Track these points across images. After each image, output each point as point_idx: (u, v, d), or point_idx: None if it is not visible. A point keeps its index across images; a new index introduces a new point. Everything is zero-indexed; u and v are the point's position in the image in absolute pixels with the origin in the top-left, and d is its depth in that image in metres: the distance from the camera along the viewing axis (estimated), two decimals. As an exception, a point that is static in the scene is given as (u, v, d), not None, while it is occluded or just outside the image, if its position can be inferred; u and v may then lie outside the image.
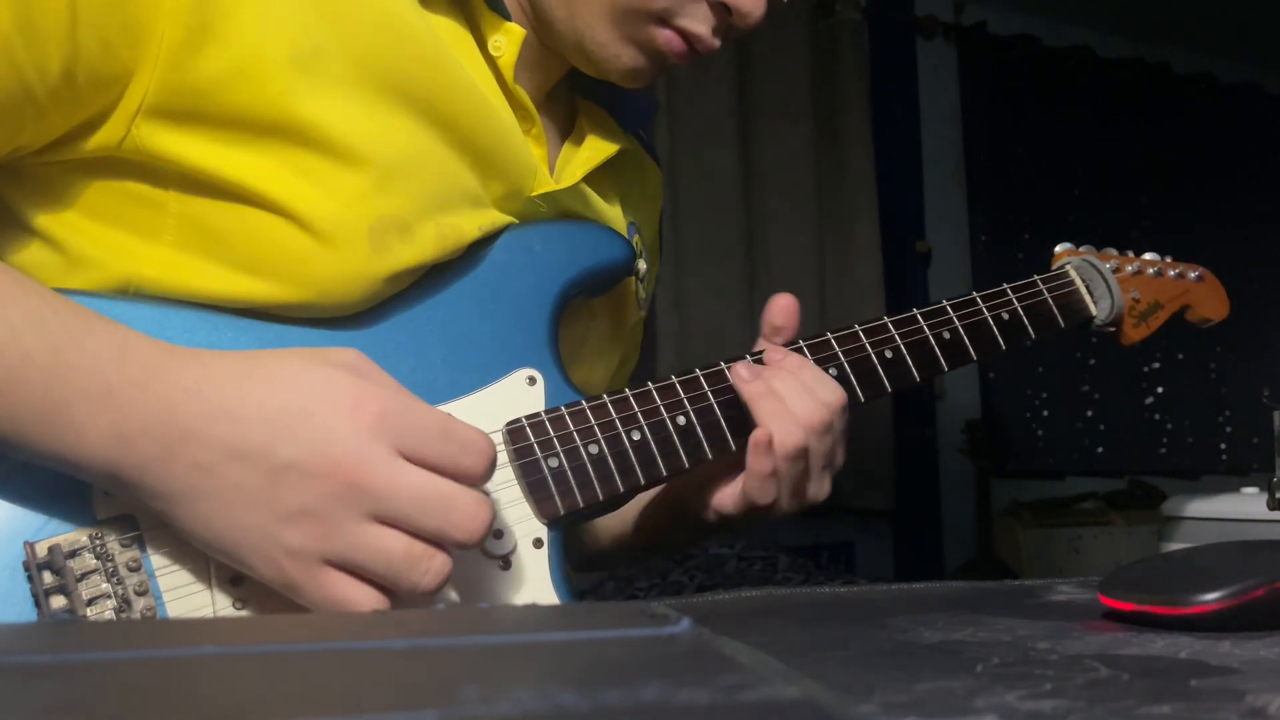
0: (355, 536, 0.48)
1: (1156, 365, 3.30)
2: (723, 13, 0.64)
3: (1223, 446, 3.40)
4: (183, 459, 0.48)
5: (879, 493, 2.75)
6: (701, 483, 0.69)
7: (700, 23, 0.64)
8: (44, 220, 0.56)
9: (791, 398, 0.64)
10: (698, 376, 0.65)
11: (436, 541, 0.49)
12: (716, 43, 0.65)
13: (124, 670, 0.24)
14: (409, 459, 0.49)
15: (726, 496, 0.68)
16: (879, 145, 2.86)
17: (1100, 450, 3.23)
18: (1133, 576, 0.49)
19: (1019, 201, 3.18)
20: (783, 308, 0.70)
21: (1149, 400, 3.32)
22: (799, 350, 0.68)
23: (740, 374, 0.65)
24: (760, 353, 0.68)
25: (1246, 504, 0.98)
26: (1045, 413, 3.16)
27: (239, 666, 0.24)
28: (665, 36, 0.64)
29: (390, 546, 0.48)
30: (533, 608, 0.48)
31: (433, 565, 0.49)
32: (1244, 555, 0.47)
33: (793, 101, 2.75)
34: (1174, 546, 1.02)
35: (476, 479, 0.51)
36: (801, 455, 0.64)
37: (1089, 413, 3.22)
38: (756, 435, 0.63)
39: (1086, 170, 3.28)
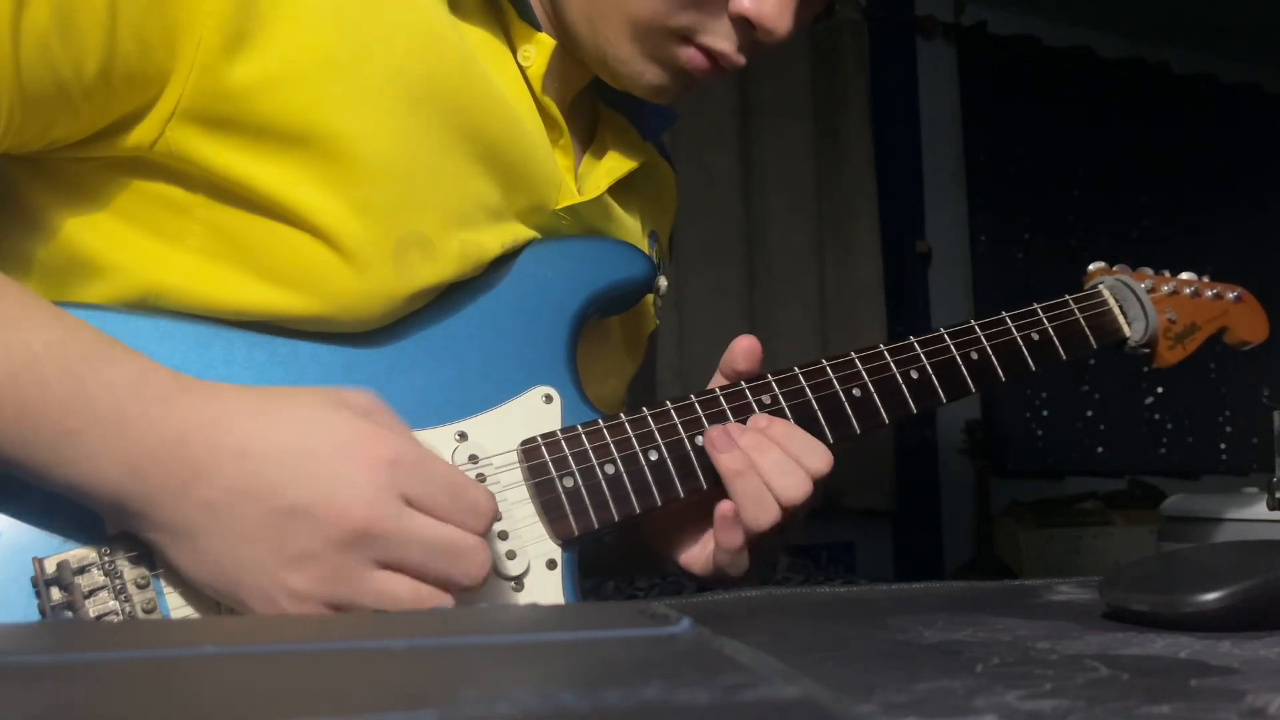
0: (362, 583, 0.48)
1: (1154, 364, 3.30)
2: (746, 28, 0.62)
3: (1223, 446, 3.40)
4: (192, 495, 0.48)
5: (879, 493, 2.76)
6: (669, 532, 0.67)
7: (723, 39, 0.62)
8: (71, 222, 0.56)
9: (774, 474, 0.60)
10: (717, 396, 0.64)
11: (441, 585, 0.50)
12: (742, 59, 0.63)
13: (124, 670, 0.24)
14: (414, 507, 0.49)
15: (695, 559, 0.66)
16: (879, 145, 2.86)
17: (1100, 450, 3.23)
18: (1133, 576, 0.49)
19: (1019, 201, 3.18)
20: (746, 351, 0.66)
21: (1149, 400, 3.32)
22: (820, 370, 0.66)
23: (715, 442, 0.61)
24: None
25: (1246, 504, 0.98)
26: (1045, 413, 3.16)
27: (239, 666, 0.24)
28: (688, 55, 0.63)
29: (396, 592, 0.49)
30: (533, 608, 0.48)
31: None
32: (1244, 555, 0.47)
33: (793, 101, 2.76)
34: (1174, 546, 1.02)
35: (476, 536, 0.51)
36: (777, 530, 0.61)
37: (1089, 413, 3.22)
38: (722, 509, 0.61)
39: (1086, 170, 3.28)
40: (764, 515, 0.60)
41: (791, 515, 0.61)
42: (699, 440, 0.62)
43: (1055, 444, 3.17)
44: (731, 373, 0.67)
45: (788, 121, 2.74)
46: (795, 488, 0.60)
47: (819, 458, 0.62)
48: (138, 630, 0.35)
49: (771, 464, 0.60)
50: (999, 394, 3.08)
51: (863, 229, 2.79)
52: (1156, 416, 3.32)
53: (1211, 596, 0.43)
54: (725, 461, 0.60)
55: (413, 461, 0.50)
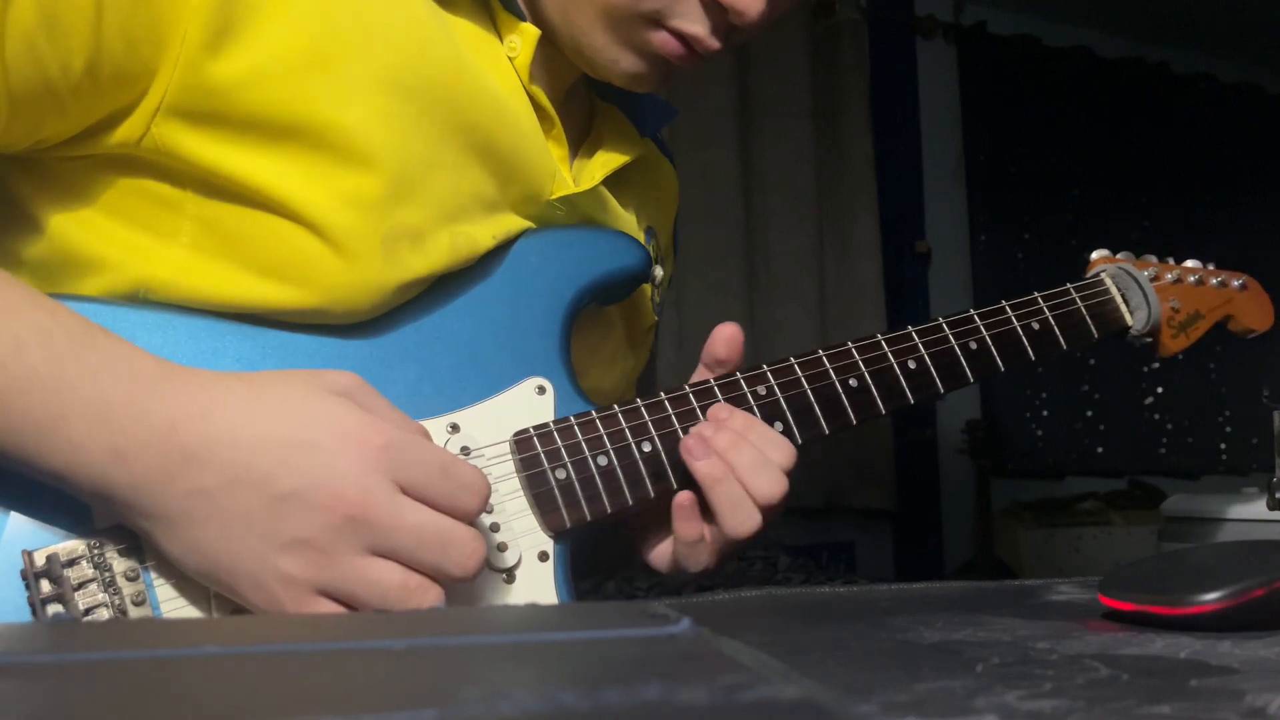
0: (352, 568, 0.48)
1: (1156, 365, 3.30)
2: (718, 11, 0.61)
3: (1223, 446, 3.40)
4: (182, 482, 0.48)
5: (879, 493, 2.76)
6: (637, 529, 0.67)
7: (695, 23, 0.62)
8: (61, 219, 0.56)
9: (750, 474, 0.60)
10: (711, 387, 0.64)
11: (432, 576, 0.50)
12: (716, 44, 0.63)
13: (124, 670, 0.24)
14: (408, 493, 0.50)
15: (660, 555, 0.66)
16: (879, 145, 2.86)
17: (1100, 450, 3.23)
18: (1133, 576, 0.49)
19: (1019, 201, 3.18)
20: (726, 339, 0.65)
21: (1149, 400, 3.32)
22: (816, 360, 0.66)
23: (692, 450, 0.60)
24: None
25: (1246, 504, 0.98)
26: (1045, 413, 3.16)
27: (239, 666, 0.24)
28: (660, 39, 0.62)
29: (386, 579, 0.49)
30: (533, 608, 0.48)
31: (427, 598, 0.50)
32: (1244, 555, 0.47)
33: (793, 101, 2.76)
34: (1174, 546, 1.02)
35: (471, 517, 0.51)
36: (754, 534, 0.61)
37: (1089, 413, 3.22)
38: (679, 499, 0.61)
39: (1086, 170, 3.28)
40: (747, 521, 0.60)
41: (770, 517, 0.61)
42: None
43: (1055, 444, 3.16)
44: (712, 361, 0.66)
45: (788, 121, 2.74)
46: (774, 485, 0.60)
47: (782, 450, 0.61)
48: (138, 630, 0.35)
49: (748, 464, 0.60)
50: (999, 393, 3.08)
51: (863, 229, 2.79)
52: (1156, 416, 3.32)
53: (1211, 596, 0.43)
54: (704, 470, 0.60)
55: (403, 446, 0.50)
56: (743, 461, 0.60)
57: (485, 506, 0.52)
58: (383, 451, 0.49)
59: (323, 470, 0.48)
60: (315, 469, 0.48)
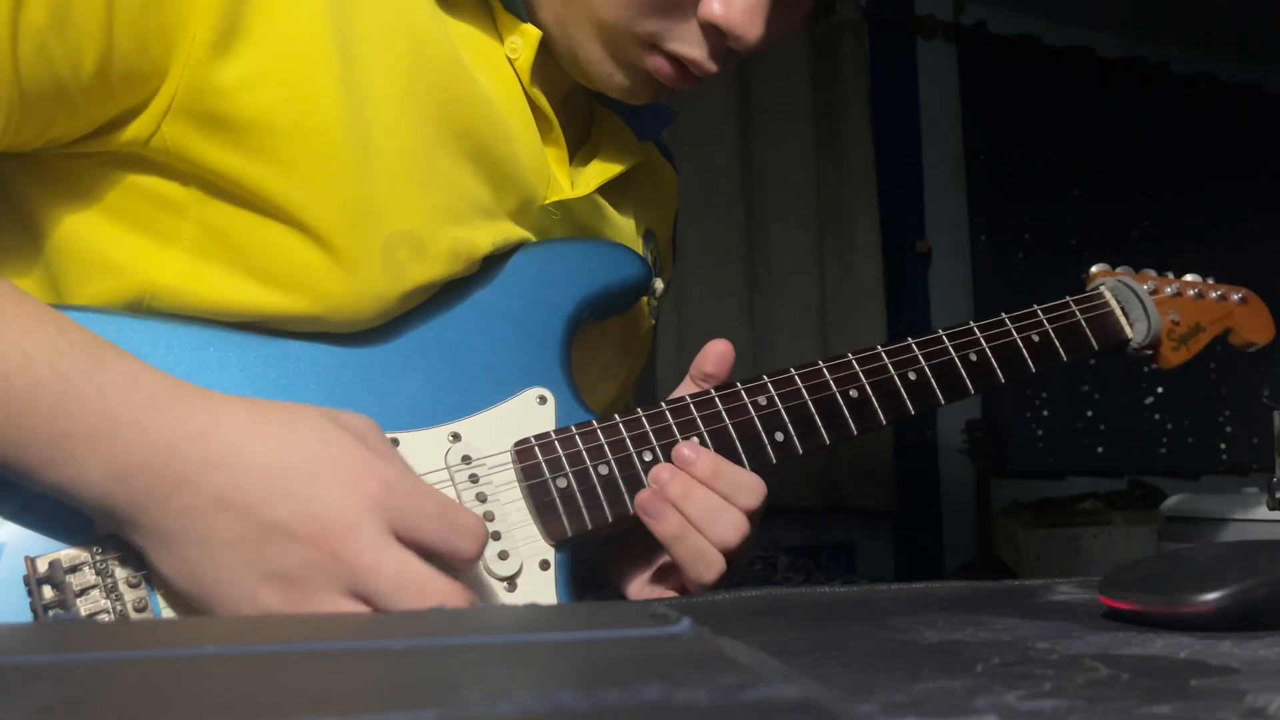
0: (327, 609, 0.47)
1: (1156, 366, 3.30)
2: (716, 35, 0.60)
3: (1223, 446, 3.40)
4: (176, 502, 0.47)
5: (879, 493, 2.75)
6: (616, 559, 0.68)
7: (693, 47, 0.61)
8: (67, 222, 0.56)
9: (706, 523, 0.59)
10: (712, 398, 0.64)
11: None
12: (714, 67, 0.62)
13: (124, 670, 0.24)
14: (401, 538, 0.48)
15: (638, 586, 0.67)
16: (879, 145, 2.86)
17: (1100, 450, 3.23)
18: (1133, 576, 0.49)
19: (1019, 201, 3.18)
20: (717, 355, 0.65)
21: (1149, 400, 3.32)
22: (817, 371, 0.66)
23: (647, 509, 0.60)
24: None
25: (1246, 504, 0.98)
26: (1045, 413, 3.16)
27: (239, 666, 0.24)
28: (655, 63, 0.62)
29: None
30: (533, 608, 0.48)
31: None
32: (1244, 555, 0.47)
33: (793, 101, 2.75)
34: (1174, 546, 1.02)
35: (468, 562, 0.51)
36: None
37: (1089, 413, 3.22)
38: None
39: (1086, 170, 3.28)
40: (708, 572, 0.60)
41: (732, 555, 0.61)
42: (693, 441, 0.62)
43: (1055, 444, 3.16)
44: (700, 374, 0.66)
45: (788, 121, 2.74)
46: (731, 530, 0.60)
47: (750, 493, 0.61)
48: (138, 630, 0.35)
49: (702, 513, 0.59)
50: (999, 394, 3.08)
51: (863, 229, 2.79)
52: (1156, 416, 3.32)
53: (1211, 596, 0.43)
54: (661, 529, 0.60)
55: (401, 489, 0.49)
56: (696, 511, 0.59)
57: (482, 553, 0.51)
58: (379, 492, 0.48)
59: (314, 502, 0.47)
60: (307, 499, 0.47)
